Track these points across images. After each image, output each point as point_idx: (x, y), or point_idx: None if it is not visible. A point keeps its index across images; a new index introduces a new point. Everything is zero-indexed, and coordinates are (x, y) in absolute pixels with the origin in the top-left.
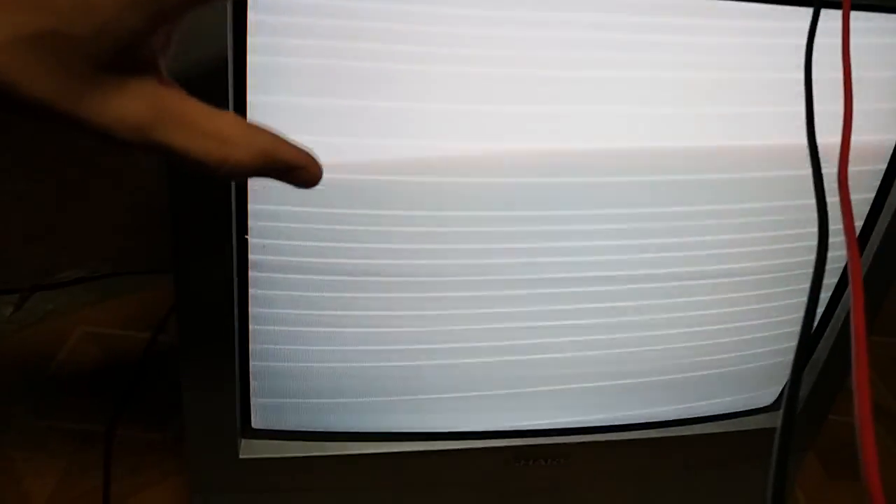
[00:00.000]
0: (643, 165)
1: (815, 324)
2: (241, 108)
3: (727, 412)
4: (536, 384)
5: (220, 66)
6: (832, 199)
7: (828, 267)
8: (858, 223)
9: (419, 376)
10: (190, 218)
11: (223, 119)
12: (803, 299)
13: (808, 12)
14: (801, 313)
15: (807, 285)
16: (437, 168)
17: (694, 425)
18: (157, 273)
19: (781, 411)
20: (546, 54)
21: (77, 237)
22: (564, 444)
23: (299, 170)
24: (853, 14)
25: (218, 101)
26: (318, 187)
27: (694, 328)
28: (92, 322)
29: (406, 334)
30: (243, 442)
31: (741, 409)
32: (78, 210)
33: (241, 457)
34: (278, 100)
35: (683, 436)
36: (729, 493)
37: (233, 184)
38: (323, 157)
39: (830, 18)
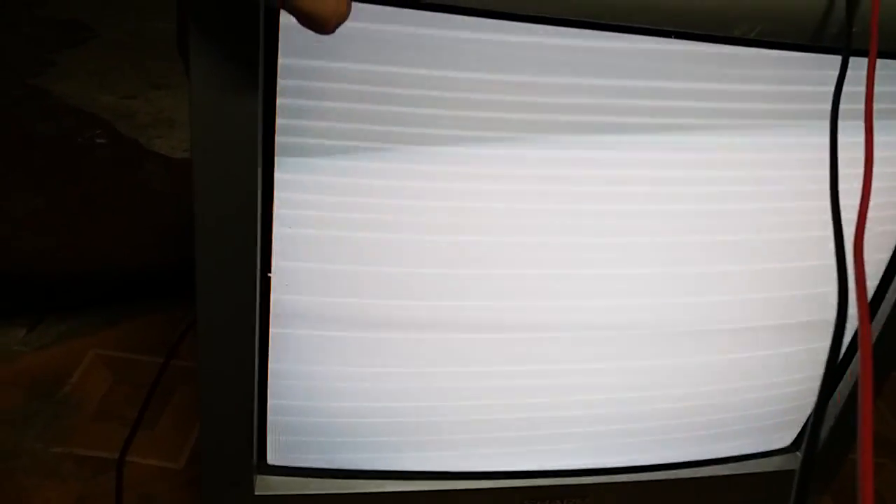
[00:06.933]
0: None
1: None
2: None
3: (743, 454)
4: (554, 427)
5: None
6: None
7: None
8: (880, 266)
9: (437, 417)
10: (214, 253)
11: None
12: (819, 345)
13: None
14: (817, 358)
15: (825, 333)
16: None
17: (710, 466)
18: (171, 297)
19: (801, 453)
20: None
21: (91, 258)
22: (581, 484)
23: None
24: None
25: None
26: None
27: (712, 373)
28: (105, 345)
29: (424, 375)
30: (259, 478)
31: (757, 451)
32: (93, 231)
33: (256, 493)
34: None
35: (699, 477)
36: None
37: (258, 222)
38: None
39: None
